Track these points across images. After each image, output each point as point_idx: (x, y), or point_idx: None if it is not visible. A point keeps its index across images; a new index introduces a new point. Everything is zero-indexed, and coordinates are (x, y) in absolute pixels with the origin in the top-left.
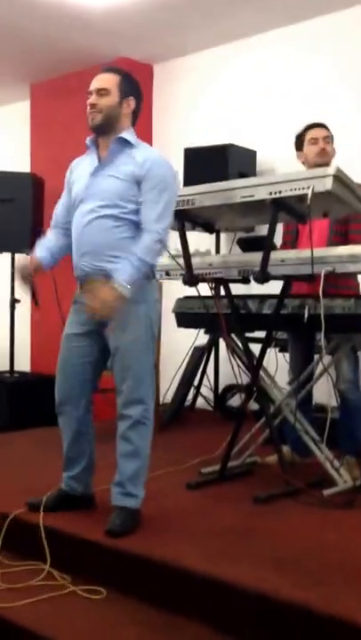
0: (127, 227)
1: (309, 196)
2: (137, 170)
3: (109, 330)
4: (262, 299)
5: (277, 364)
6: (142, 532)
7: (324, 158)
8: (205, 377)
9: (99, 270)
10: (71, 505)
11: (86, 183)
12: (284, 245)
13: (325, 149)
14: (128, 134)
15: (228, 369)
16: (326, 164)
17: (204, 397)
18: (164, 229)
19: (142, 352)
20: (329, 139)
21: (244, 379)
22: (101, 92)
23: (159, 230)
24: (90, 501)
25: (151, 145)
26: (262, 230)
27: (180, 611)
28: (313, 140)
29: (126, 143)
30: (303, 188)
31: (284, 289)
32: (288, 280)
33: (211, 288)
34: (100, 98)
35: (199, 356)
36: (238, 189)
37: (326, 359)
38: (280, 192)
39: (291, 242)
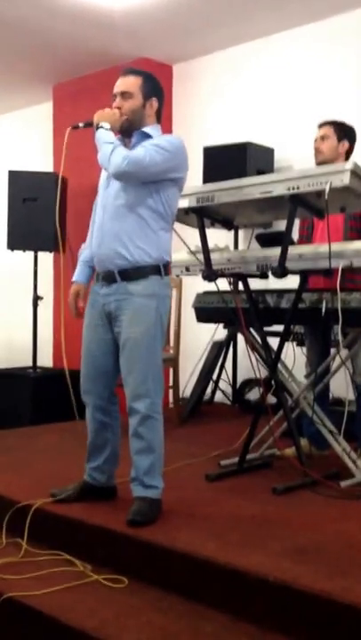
0: (143, 215)
1: (327, 191)
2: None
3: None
4: (280, 293)
5: (295, 357)
6: (163, 522)
7: (317, 158)
8: (224, 371)
9: (113, 259)
10: (93, 495)
11: (106, 178)
12: (301, 240)
13: (319, 149)
14: (150, 129)
15: (247, 363)
16: (322, 163)
17: (223, 391)
18: (138, 162)
19: (150, 345)
20: (328, 137)
21: (263, 372)
22: (125, 95)
23: (137, 157)
24: (112, 492)
25: None
26: (280, 226)
27: (201, 599)
28: (314, 142)
29: (147, 136)
30: (321, 184)
31: (301, 283)
32: (306, 274)
33: (230, 283)
34: (124, 101)
35: (218, 351)
36: (257, 185)
37: (343, 353)
38: (298, 188)
39: (306, 237)
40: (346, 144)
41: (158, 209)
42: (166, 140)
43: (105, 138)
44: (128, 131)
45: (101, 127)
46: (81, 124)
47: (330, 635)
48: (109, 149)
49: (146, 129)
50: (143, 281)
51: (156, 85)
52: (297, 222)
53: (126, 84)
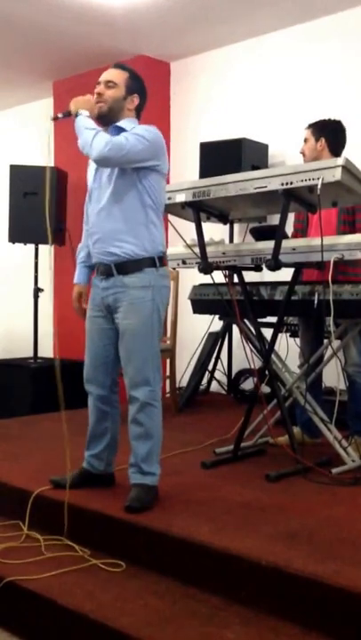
0: (132, 208)
1: (319, 186)
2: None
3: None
4: (274, 285)
5: (288, 348)
6: (160, 508)
7: (304, 161)
8: (220, 361)
9: (108, 254)
10: (92, 483)
11: (93, 177)
12: (295, 234)
13: (302, 152)
14: (125, 122)
15: (242, 354)
16: None
17: (218, 381)
18: (120, 147)
19: (147, 335)
20: (307, 140)
21: (257, 363)
22: (109, 83)
23: (119, 143)
24: (110, 479)
25: (169, 140)
26: (274, 220)
27: (196, 583)
28: None
29: (121, 130)
30: (313, 179)
31: (294, 276)
32: (299, 267)
33: (225, 276)
34: (107, 89)
35: (214, 342)
36: (252, 181)
37: (335, 343)
38: (291, 183)
39: (301, 230)
40: (323, 140)
41: (145, 201)
42: (144, 129)
43: (85, 124)
44: (105, 118)
45: (80, 114)
46: (60, 115)
47: (320, 616)
48: (91, 135)
49: (121, 123)
50: (139, 273)
51: (141, 84)
52: (292, 216)
53: (112, 75)
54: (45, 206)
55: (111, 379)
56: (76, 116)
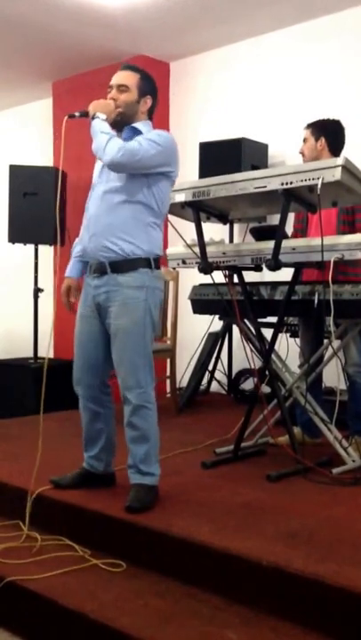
0: (134, 209)
1: (319, 185)
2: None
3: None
4: (274, 285)
5: (288, 348)
6: (160, 508)
7: (303, 161)
8: (220, 361)
9: (104, 249)
10: (92, 483)
11: (99, 172)
12: (295, 234)
13: (302, 152)
14: (140, 124)
15: (242, 354)
16: None
17: (219, 381)
18: (133, 153)
19: (139, 336)
20: (307, 140)
21: (257, 363)
22: (122, 87)
23: (132, 149)
24: (110, 480)
25: None
26: (274, 220)
27: (197, 583)
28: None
29: (138, 132)
30: (313, 179)
31: (294, 276)
32: (299, 267)
33: (225, 275)
34: (119, 94)
35: (214, 342)
36: (251, 180)
37: (335, 343)
38: (291, 183)
39: (301, 230)
40: (323, 140)
41: (150, 204)
42: (158, 134)
43: (101, 127)
44: (120, 124)
45: (97, 117)
46: (77, 114)
47: (320, 616)
48: (105, 139)
49: (136, 124)
50: (133, 273)
51: (152, 85)
52: (292, 216)
53: (124, 78)
54: (56, 208)
55: (100, 379)
56: (93, 118)
